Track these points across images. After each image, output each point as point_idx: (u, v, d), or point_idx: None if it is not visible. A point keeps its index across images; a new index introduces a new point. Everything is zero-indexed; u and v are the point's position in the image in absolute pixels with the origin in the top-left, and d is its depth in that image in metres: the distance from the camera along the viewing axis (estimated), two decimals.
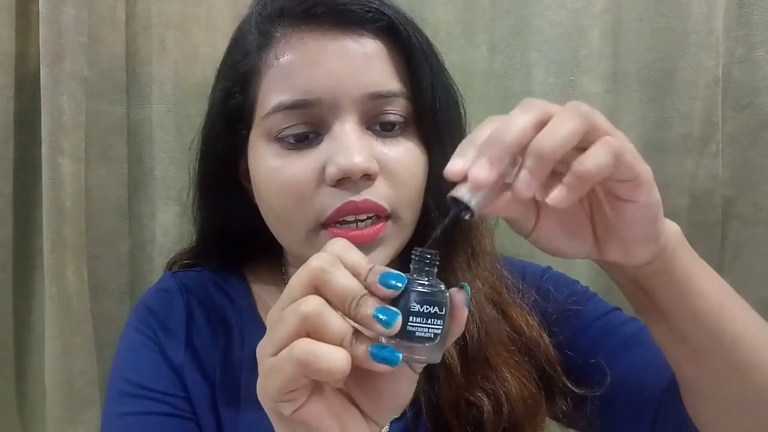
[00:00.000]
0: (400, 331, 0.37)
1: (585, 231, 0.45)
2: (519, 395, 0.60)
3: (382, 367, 0.37)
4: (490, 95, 0.98)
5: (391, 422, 0.60)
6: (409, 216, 0.58)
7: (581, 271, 0.90)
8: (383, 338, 0.38)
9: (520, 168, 0.38)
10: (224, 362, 0.63)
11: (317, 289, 0.38)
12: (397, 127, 0.57)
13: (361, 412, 0.42)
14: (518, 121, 0.38)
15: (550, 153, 0.37)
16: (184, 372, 0.61)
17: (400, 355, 0.37)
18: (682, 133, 0.95)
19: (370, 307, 0.37)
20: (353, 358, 0.37)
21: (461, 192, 0.39)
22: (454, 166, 0.39)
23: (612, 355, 0.62)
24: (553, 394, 0.64)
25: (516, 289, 0.66)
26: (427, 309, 0.38)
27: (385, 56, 0.57)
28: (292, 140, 0.56)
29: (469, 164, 0.38)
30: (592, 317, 0.65)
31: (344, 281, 0.38)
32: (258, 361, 0.40)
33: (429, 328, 0.38)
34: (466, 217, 0.39)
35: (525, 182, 0.38)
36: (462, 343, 0.60)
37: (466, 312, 0.40)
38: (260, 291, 0.69)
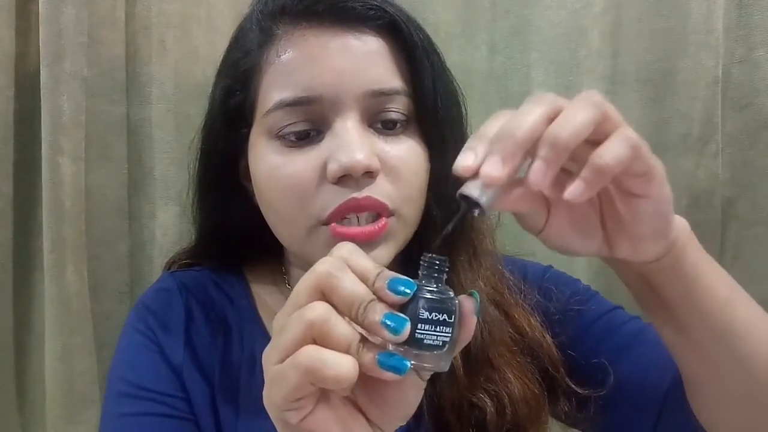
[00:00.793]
0: (408, 339, 0.36)
1: (595, 228, 0.45)
2: (522, 396, 0.60)
3: (389, 375, 0.36)
4: (489, 95, 0.98)
5: None
6: (411, 213, 0.57)
7: (581, 271, 0.90)
8: (391, 345, 0.37)
9: (532, 160, 0.37)
10: (223, 362, 0.63)
11: (324, 294, 0.37)
12: (398, 124, 0.57)
13: (368, 419, 0.41)
14: (530, 115, 0.37)
15: (565, 141, 0.36)
16: (183, 372, 0.61)
17: (409, 363, 0.36)
18: (681, 133, 0.95)
19: (378, 313, 0.36)
20: (360, 365, 0.36)
21: (472, 189, 0.38)
22: (465, 162, 0.38)
23: (614, 354, 0.62)
24: (556, 394, 0.63)
25: (518, 289, 0.66)
26: (436, 316, 0.37)
27: (386, 54, 0.56)
28: (293, 137, 0.55)
29: (480, 160, 0.37)
30: (595, 316, 0.65)
31: (351, 286, 0.37)
32: (263, 368, 0.39)
33: (438, 335, 0.37)
34: (476, 213, 0.39)
35: (540, 173, 0.37)
36: None
37: (475, 320, 0.39)
38: (260, 291, 0.68)
